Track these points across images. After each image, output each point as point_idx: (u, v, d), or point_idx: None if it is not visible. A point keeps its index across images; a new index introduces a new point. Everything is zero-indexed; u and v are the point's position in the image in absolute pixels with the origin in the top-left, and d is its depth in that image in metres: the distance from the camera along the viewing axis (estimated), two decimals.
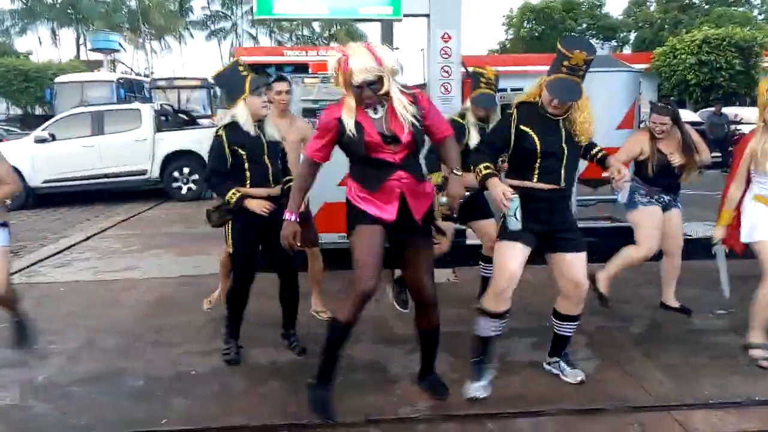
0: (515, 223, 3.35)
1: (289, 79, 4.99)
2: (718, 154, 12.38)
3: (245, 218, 3.91)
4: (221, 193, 3.93)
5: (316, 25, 41.27)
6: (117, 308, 5.29)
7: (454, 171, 3.31)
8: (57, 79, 19.20)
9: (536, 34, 38.60)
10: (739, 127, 15.57)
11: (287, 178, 4.09)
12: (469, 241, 6.56)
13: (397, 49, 13.99)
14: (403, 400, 3.57)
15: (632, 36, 39.64)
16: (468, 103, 4.65)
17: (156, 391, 3.73)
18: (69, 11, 36.99)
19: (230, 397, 3.66)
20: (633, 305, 5.06)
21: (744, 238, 4.02)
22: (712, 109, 16.29)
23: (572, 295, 3.55)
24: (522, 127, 3.45)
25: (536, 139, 3.42)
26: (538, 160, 3.44)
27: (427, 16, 6.33)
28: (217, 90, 20.99)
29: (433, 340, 3.58)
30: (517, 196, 3.32)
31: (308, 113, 6.37)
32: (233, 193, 3.87)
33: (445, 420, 3.37)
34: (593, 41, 5.99)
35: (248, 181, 3.93)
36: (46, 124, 12.36)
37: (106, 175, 11.90)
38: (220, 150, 3.90)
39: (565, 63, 3.30)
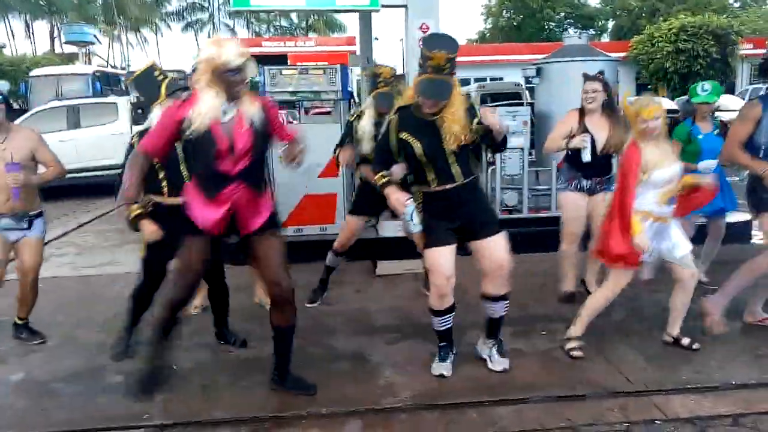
0: (413, 226, 3.51)
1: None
2: None
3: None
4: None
5: (294, 16, 40.97)
6: (97, 304, 5.23)
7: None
8: (32, 73, 18.80)
9: (515, 24, 38.68)
10: (716, 114, 15.67)
11: None
12: None
13: (376, 39, 13.88)
14: (386, 390, 3.58)
15: (610, 24, 39.82)
16: (369, 103, 4.84)
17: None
18: (42, 3, 36.25)
19: (212, 391, 3.64)
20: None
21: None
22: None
23: (497, 275, 3.58)
24: (402, 135, 3.49)
25: (416, 143, 3.45)
26: (427, 164, 3.47)
27: (405, 6, 6.30)
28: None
29: (288, 337, 3.52)
30: (411, 201, 3.45)
31: (286, 105, 6.36)
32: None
33: (427, 409, 3.39)
34: (571, 30, 5.89)
35: (165, 189, 3.81)
36: (22, 118, 12.11)
37: (83, 170, 11.71)
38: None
39: (429, 63, 3.32)
